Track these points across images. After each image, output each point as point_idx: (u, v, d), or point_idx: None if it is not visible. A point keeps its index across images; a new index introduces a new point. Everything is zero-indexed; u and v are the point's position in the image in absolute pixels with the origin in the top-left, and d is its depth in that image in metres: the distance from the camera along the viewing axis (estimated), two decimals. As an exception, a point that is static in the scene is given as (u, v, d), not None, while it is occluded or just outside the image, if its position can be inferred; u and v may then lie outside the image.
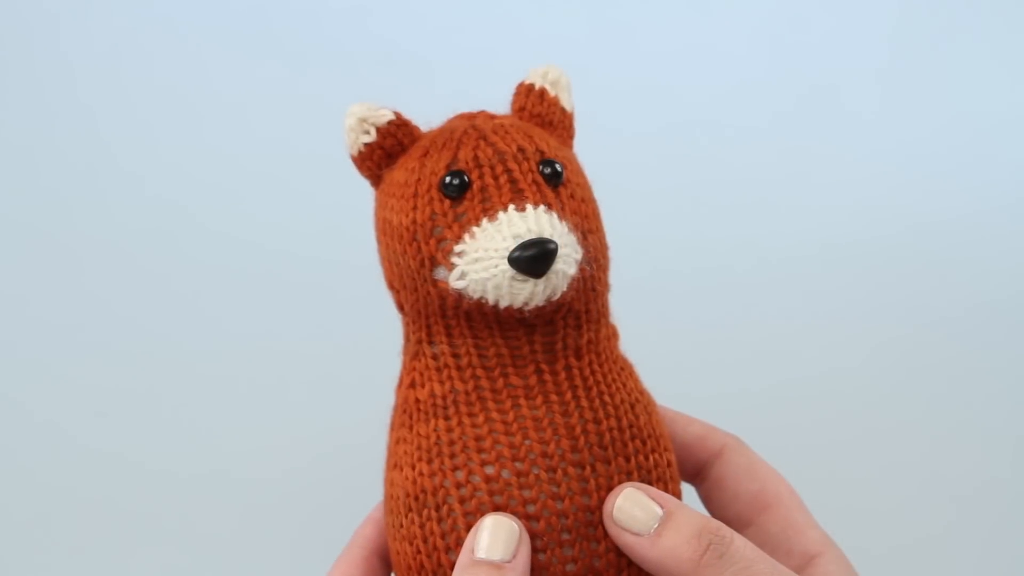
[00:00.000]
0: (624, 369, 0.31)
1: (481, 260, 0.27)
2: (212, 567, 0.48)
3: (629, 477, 0.28)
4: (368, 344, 0.33)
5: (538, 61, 0.33)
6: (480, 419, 0.28)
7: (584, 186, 0.30)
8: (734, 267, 0.68)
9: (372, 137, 0.30)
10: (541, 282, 0.27)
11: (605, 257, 0.31)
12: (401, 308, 0.31)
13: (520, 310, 0.28)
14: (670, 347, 0.55)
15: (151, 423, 0.55)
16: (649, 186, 0.72)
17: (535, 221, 0.27)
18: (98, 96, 0.76)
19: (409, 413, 0.30)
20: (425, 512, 0.28)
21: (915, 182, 0.77)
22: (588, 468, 0.28)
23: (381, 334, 0.34)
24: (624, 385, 0.30)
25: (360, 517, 0.32)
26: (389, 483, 0.30)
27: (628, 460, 0.29)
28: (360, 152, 0.31)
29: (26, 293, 0.63)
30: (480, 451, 0.28)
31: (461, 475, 0.28)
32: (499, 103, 0.33)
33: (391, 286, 0.31)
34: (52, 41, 0.77)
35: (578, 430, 0.28)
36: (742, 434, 0.34)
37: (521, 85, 0.33)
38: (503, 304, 0.27)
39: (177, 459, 0.53)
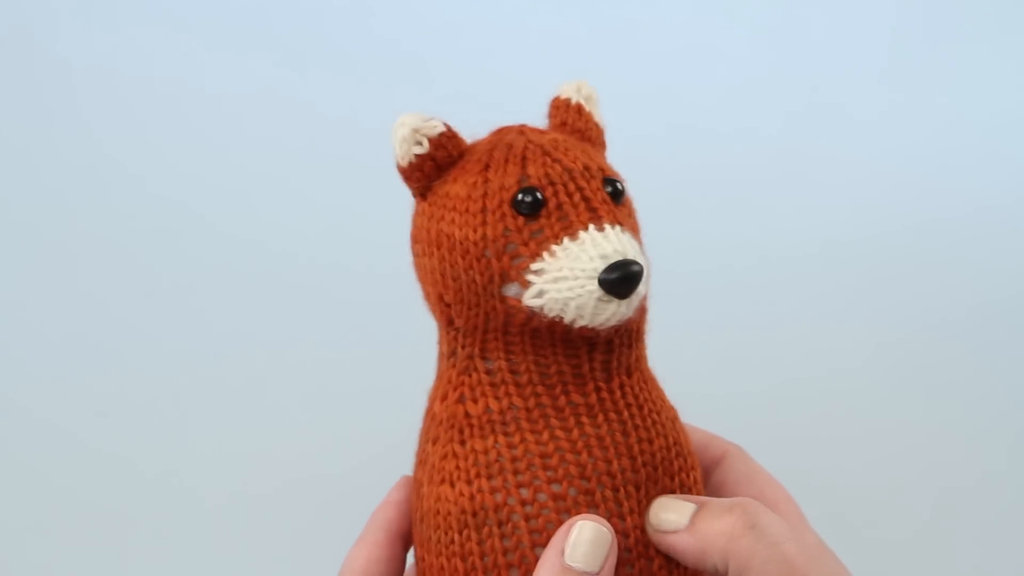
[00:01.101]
0: (657, 384, 0.32)
1: (565, 279, 0.27)
2: (212, 568, 0.48)
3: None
4: (370, 346, 0.33)
5: (537, 62, 0.33)
6: (544, 436, 0.28)
7: (631, 203, 0.31)
8: (734, 267, 0.68)
9: (424, 148, 0.30)
10: (624, 303, 0.27)
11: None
12: (450, 323, 0.30)
13: (593, 329, 0.28)
14: (671, 347, 0.55)
15: (152, 424, 0.55)
16: (649, 186, 0.72)
17: (619, 242, 0.27)
18: (97, 97, 0.75)
19: (459, 428, 0.29)
20: (486, 529, 0.28)
21: (916, 182, 0.77)
22: (643, 488, 0.29)
23: (382, 336, 0.34)
24: (664, 401, 0.31)
25: (362, 519, 0.32)
26: (435, 498, 0.29)
27: (673, 479, 0.29)
28: (411, 163, 0.31)
29: (26, 293, 0.63)
30: (546, 468, 0.28)
31: (527, 492, 0.28)
32: (499, 104, 0.33)
33: (440, 300, 0.30)
34: (51, 42, 0.77)
35: (636, 449, 0.29)
36: (743, 433, 0.34)
37: (558, 99, 0.33)
38: (580, 323, 0.28)
39: (178, 460, 0.53)
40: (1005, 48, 0.85)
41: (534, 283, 0.28)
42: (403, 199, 0.36)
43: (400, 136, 0.30)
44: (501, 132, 0.31)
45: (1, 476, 0.53)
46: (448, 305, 0.30)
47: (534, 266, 0.28)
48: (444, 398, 0.30)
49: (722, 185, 0.75)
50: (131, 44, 0.78)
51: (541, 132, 0.31)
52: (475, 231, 0.29)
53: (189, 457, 0.53)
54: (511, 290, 0.28)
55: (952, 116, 0.82)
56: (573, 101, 0.33)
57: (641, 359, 0.31)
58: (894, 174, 0.78)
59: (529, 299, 0.28)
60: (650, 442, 0.29)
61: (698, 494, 0.30)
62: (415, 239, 0.31)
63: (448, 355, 0.31)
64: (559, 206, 0.28)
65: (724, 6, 0.85)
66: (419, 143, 0.30)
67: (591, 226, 0.28)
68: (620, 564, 0.28)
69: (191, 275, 0.65)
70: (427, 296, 0.31)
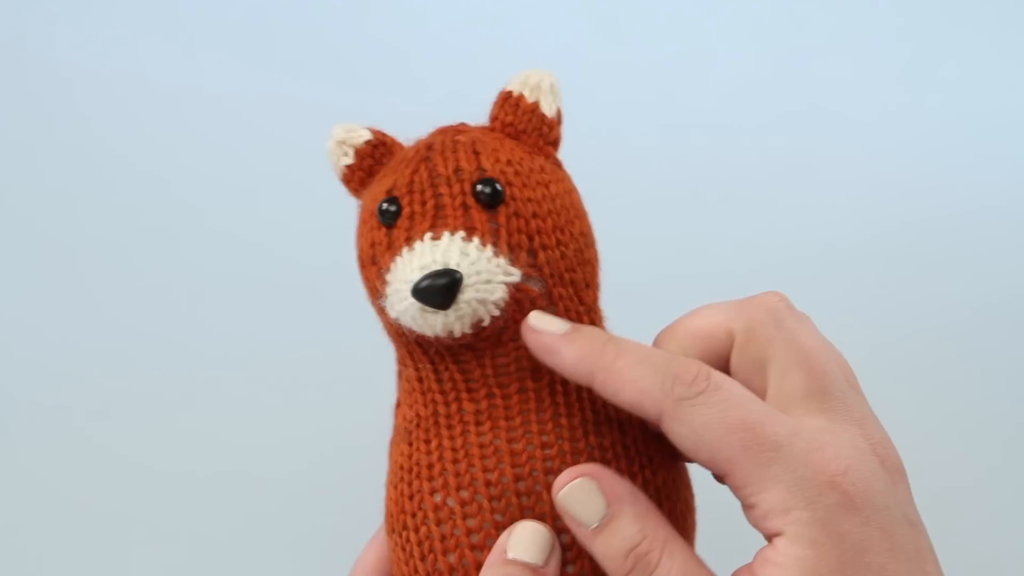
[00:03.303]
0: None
1: (396, 292, 0.27)
2: (213, 568, 0.48)
3: None
4: (374, 346, 0.33)
5: (537, 62, 0.33)
6: (432, 445, 0.28)
7: (538, 200, 0.29)
8: (734, 267, 0.68)
9: (351, 159, 0.30)
10: (451, 312, 0.27)
11: (577, 270, 0.30)
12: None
13: (452, 337, 0.27)
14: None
15: (153, 424, 0.55)
16: (649, 187, 0.72)
17: (443, 252, 0.27)
18: (97, 97, 0.75)
19: (395, 431, 0.30)
20: (393, 536, 0.28)
21: (916, 182, 0.77)
22: (533, 496, 0.27)
23: (381, 337, 0.34)
24: (594, 402, 0.29)
25: (363, 519, 0.32)
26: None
27: None
28: (343, 175, 0.31)
29: (27, 293, 0.63)
30: (430, 479, 0.28)
31: (414, 502, 0.28)
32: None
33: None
34: (48, 43, 0.77)
35: (524, 457, 0.27)
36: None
37: (500, 93, 0.32)
38: (429, 333, 0.27)
39: (179, 460, 0.53)
40: (1007, 47, 0.85)
41: (387, 295, 0.28)
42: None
43: (328, 149, 0.31)
44: (437, 131, 0.31)
45: (1, 476, 0.53)
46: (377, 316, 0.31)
47: (387, 277, 0.28)
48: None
49: (721, 184, 0.75)
50: (128, 44, 0.78)
51: (458, 132, 0.31)
52: (360, 242, 0.30)
53: (190, 458, 0.53)
54: (383, 301, 0.28)
55: (954, 116, 0.82)
56: (515, 93, 0.31)
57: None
58: (895, 174, 0.78)
59: (388, 311, 0.28)
60: (546, 447, 0.27)
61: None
62: None
63: None
64: (411, 215, 0.28)
65: (724, 6, 0.85)
66: (345, 154, 0.30)
67: (427, 235, 0.27)
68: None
69: (191, 275, 0.64)
70: None
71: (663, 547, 0.25)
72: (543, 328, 0.28)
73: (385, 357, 0.33)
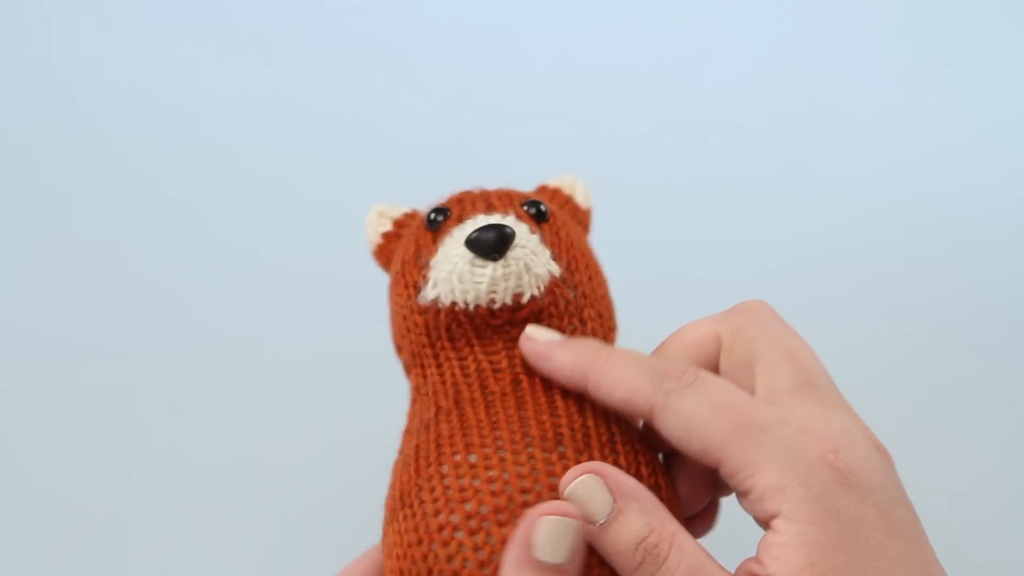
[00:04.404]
0: None
1: (446, 258, 0.29)
2: (213, 568, 0.48)
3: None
4: (376, 348, 0.33)
5: (537, 61, 0.33)
6: (455, 421, 0.28)
7: (577, 242, 0.32)
8: (734, 268, 0.68)
9: (389, 227, 0.33)
10: (499, 265, 0.28)
11: (604, 314, 0.31)
12: (408, 368, 0.32)
13: (491, 311, 0.28)
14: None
15: (154, 423, 0.55)
16: (650, 186, 0.72)
17: (498, 218, 0.29)
18: (96, 97, 0.75)
19: (400, 449, 0.30)
20: (408, 509, 0.27)
21: (917, 182, 0.77)
22: (556, 453, 0.27)
23: (381, 339, 0.34)
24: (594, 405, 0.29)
25: (364, 521, 0.32)
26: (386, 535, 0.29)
27: (602, 449, 0.27)
28: (381, 241, 0.34)
29: (26, 294, 0.63)
30: (452, 444, 0.27)
31: (432, 469, 0.27)
32: (498, 105, 0.33)
33: (399, 351, 0.32)
34: (45, 44, 0.77)
35: (548, 424, 0.27)
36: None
37: (539, 187, 0.36)
38: (469, 300, 0.28)
39: (180, 460, 0.53)
40: (1008, 46, 0.85)
41: (429, 277, 0.29)
42: (400, 198, 0.36)
43: (367, 221, 0.34)
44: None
45: (1, 476, 0.52)
46: (399, 349, 0.32)
47: (431, 262, 0.30)
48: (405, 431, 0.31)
49: (721, 184, 0.75)
50: (127, 44, 0.78)
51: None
52: (400, 259, 0.31)
53: (188, 457, 0.53)
54: (421, 297, 0.30)
55: (954, 115, 0.82)
56: (551, 185, 0.35)
57: None
58: (895, 174, 0.78)
59: (429, 293, 0.29)
60: (572, 426, 0.27)
61: (635, 480, 0.27)
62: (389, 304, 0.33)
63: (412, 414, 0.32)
64: (459, 216, 0.30)
65: (726, 5, 0.85)
66: (383, 224, 0.33)
67: (480, 215, 0.30)
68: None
69: (190, 275, 0.64)
70: (397, 353, 0.33)
71: (671, 540, 0.25)
72: (539, 337, 0.29)
73: (385, 358, 0.33)
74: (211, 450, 0.53)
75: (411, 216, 0.33)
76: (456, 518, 0.26)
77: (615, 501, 0.25)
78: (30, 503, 0.51)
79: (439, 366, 0.30)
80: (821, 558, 0.23)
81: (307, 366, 0.58)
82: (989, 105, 0.83)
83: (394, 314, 0.32)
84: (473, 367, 0.29)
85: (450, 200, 0.31)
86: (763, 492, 0.24)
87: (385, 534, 0.29)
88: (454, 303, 0.29)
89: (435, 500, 0.26)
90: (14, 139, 0.73)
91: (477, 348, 0.29)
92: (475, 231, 0.28)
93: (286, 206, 0.69)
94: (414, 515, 0.27)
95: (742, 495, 0.25)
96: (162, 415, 0.55)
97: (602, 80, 0.80)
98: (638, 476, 0.28)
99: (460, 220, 0.30)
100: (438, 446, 0.27)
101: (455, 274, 0.28)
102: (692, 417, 0.25)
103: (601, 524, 0.25)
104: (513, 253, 0.28)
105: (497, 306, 0.28)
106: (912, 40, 0.85)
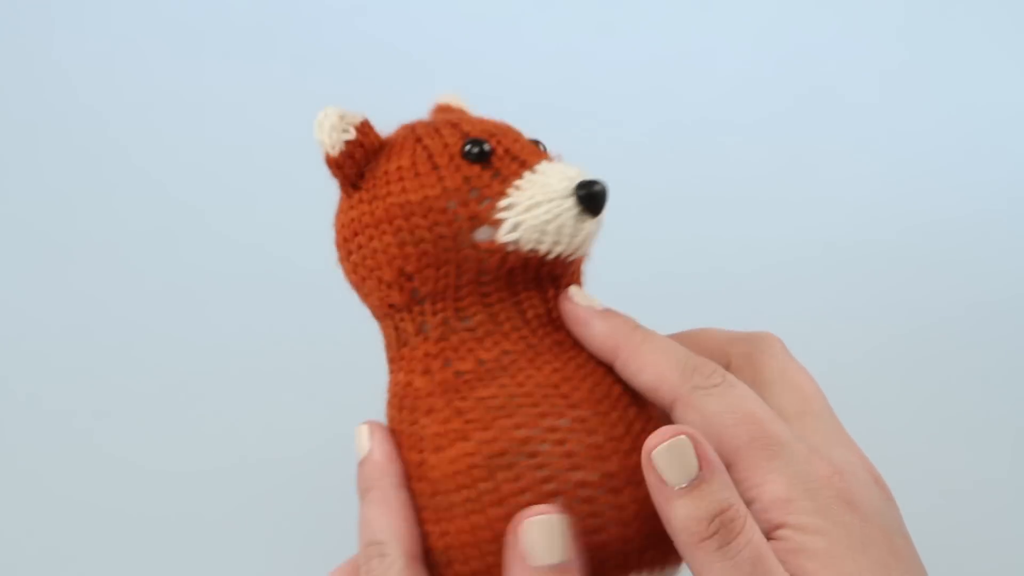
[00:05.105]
0: None
1: (540, 205, 0.28)
2: (214, 568, 0.48)
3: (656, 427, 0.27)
4: (376, 345, 0.33)
5: (537, 60, 0.33)
6: (547, 370, 0.28)
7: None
8: (734, 267, 0.68)
9: (352, 135, 0.30)
10: (596, 223, 0.29)
11: None
12: (412, 299, 0.30)
13: (564, 262, 0.29)
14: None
15: (154, 423, 0.55)
16: (649, 183, 0.72)
17: (577, 169, 0.29)
18: (95, 97, 0.75)
19: (455, 388, 0.28)
20: (518, 467, 0.27)
21: (917, 180, 0.77)
22: (632, 409, 0.29)
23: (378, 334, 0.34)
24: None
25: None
26: (450, 461, 0.28)
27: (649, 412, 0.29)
28: (341, 152, 0.30)
29: (30, 290, 0.63)
30: (562, 396, 0.28)
31: (551, 420, 0.27)
32: (496, 103, 0.33)
33: (399, 275, 0.29)
34: (46, 44, 0.77)
35: (611, 378, 0.29)
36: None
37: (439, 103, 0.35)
38: (556, 251, 0.28)
39: (180, 461, 0.53)
40: (1009, 46, 0.85)
41: (507, 219, 0.28)
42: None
43: (328, 125, 0.30)
44: (408, 123, 0.32)
45: (1, 476, 0.53)
46: (410, 277, 0.29)
47: (502, 203, 0.28)
48: (427, 371, 0.29)
49: (721, 183, 0.75)
50: (131, 42, 0.78)
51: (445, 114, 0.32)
52: (433, 188, 0.29)
53: (191, 459, 0.53)
54: (482, 234, 0.28)
55: (955, 115, 0.82)
56: (454, 104, 0.35)
57: None
58: (895, 173, 0.78)
59: (504, 236, 0.28)
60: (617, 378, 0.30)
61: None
62: (350, 234, 0.31)
63: (415, 332, 0.30)
64: (507, 151, 0.29)
65: (723, 4, 0.85)
66: (346, 130, 0.30)
67: (543, 162, 0.29)
68: (631, 485, 0.27)
69: (189, 274, 0.65)
70: (377, 286, 0.30)
71: (745, 520, 0.25)
72: (580, 301, 0.29)
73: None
74: (214, 447, 0.53)
75: (369, 126, 0.30)
76: (560, 485, 0.27)
77: (700, 468, 0.25)
78: (30, 502, 0.51)
79: (487, 308, 0.29)
80: (832, 563, 0.24)
81: (311, 363, 0.58)
82: (988, 104, 0.83)
83: (402, 245, 0.29)
84: (531, 314, 0.30)
85: (471, 131, 0.30)
86: (770, 503, 0.25)
87: (445, 492, 0.28)
88: (535, 250, 0.28)
89: (566, 456, 0.27)
90: (17, 135, 0.73)
91: (534, 294, 0.30)
92: (579, 187, 0.28)
93: (291, 204, 0.69)
94: (539, 467, 0.27)
95: (747, 503, 0.25)
96: (165, 411, 0.56)
97: (602, 77, 0.80)
98: None
99: (517, 161, 0.29)
100: (545, 396, 0.28)
101: (555, 225, 0.28)
102: (713, 418, 0.26)
103: (681, 488, 0.25)
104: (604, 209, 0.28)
105: (573, 258, 0.29)
106: (911, 39, 0.85)
